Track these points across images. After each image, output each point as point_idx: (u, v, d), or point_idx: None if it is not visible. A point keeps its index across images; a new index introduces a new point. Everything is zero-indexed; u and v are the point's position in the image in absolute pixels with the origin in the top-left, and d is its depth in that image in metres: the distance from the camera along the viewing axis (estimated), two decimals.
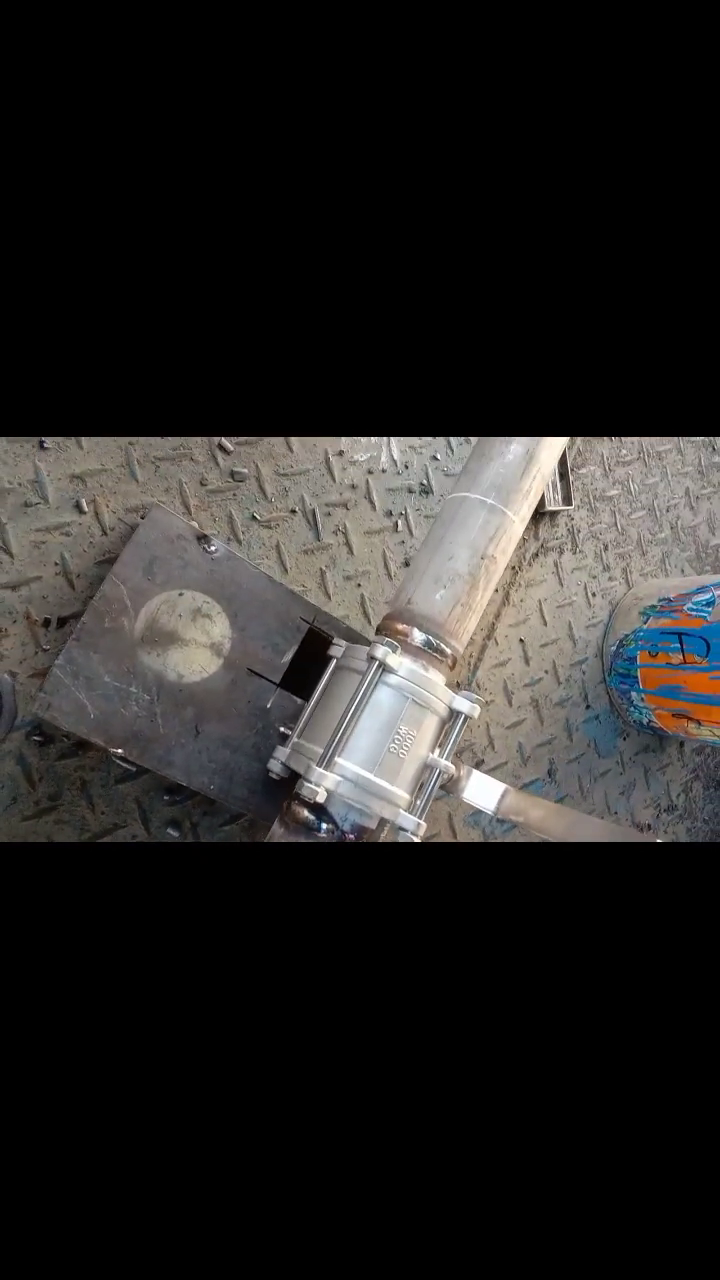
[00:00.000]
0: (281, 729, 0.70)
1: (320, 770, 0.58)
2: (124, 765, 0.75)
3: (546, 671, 1.08)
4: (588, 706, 1.12)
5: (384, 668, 0.61)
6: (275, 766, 0.68)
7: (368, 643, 0.68)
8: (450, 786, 0.69)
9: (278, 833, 0.63)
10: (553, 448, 0.70)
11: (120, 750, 0.63)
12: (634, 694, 1.09)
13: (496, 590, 1.01)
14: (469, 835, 1.01)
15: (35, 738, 0.70)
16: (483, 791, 0.69)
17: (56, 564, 0.70)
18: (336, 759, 0.60)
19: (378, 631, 0.67)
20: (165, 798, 0.77)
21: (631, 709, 1.12)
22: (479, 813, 1.02)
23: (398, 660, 0.62)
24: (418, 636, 0.64)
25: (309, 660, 0.72)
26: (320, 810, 0.61)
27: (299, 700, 0.71)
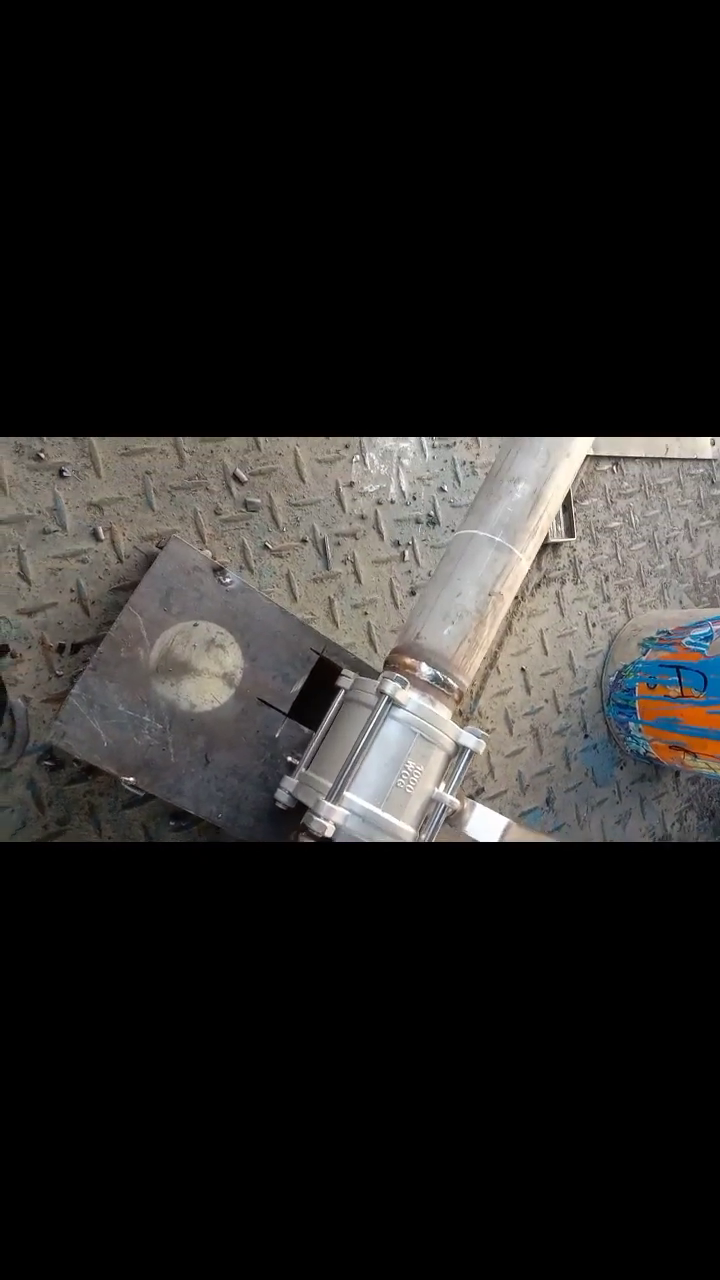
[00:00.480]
0: (289, 758, 0.71)
1: (329, 804, 0.59)
2: (131, 791, 0.76)
3: (547, 700, 1.09)
4: (586, 736, 1.14)
5: (393, 703, 0.62)
6: (283, 797, 0.69)
7: (376, 675, 0.69)
8: (454, 820, 0.70)
9: None
10: (560, 487, 0.72)
11: (132, 779, 0.64)
12: (632, 724, 1.11)
13: None
14: None
15: (46, 762, 0.70)
16: (485, 825, 0.70)
17: (72, 591, 0.71)
18: (345, 793, 0.61)
19: (386, 665, 0.68)
20: (171, 824, 0.77)
21: (629, 739, 1.13)
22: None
23: (406, 695, 0.63)
24: (425, 671, 0.65)
25: (315, 687, 0.73)
26: (328, 843, 0.62)
27: (306, 730, 0.72)
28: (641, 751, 1.13)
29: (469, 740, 0.66)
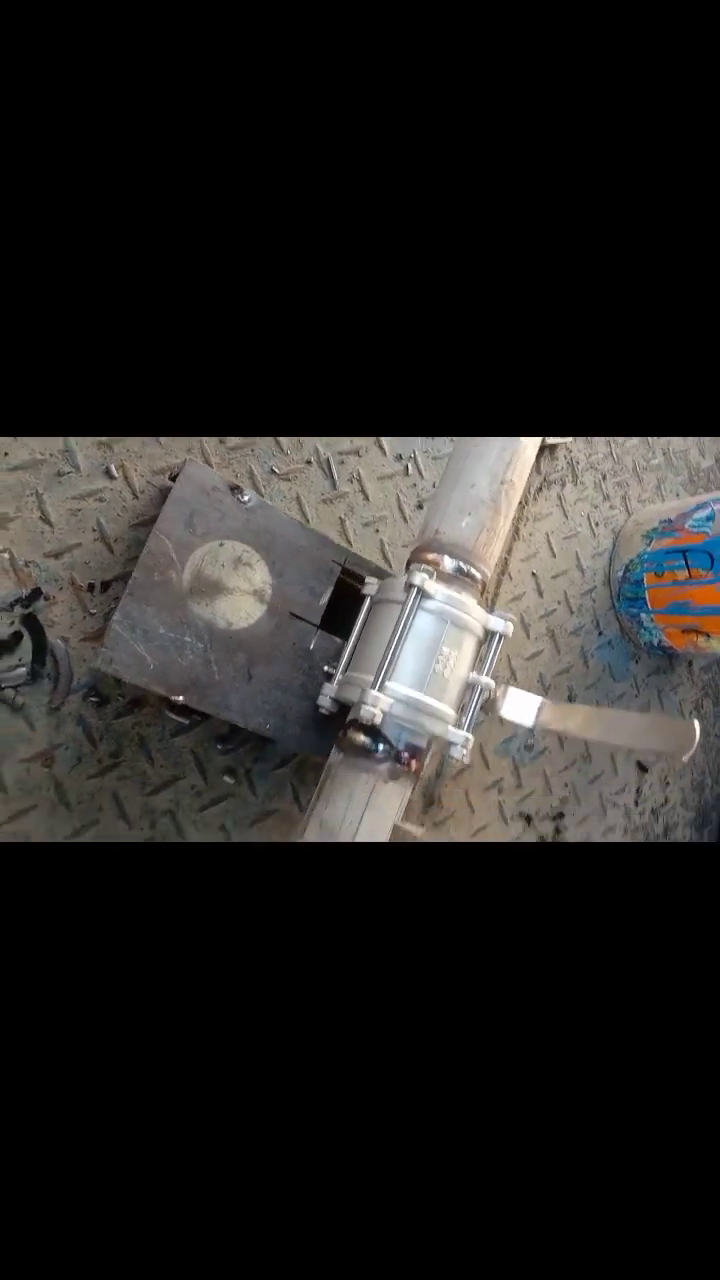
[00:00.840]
0: (325, 668, 0.74)
1: (374, 693, 0.62)
2: (177, 720, 0.78)
3: (559, 602, 1.12)
4: (600, 633, 1.17)
5: (422, 594, 0.65)
6: (325, 702, 0.72)
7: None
8: (489, 707, 0.73)
9: (336, 759, 0.67)
10: None
11: (181, 698, 0.66)
12: (643, 616, 1.13)
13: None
14: (499, 765, 1.06)
15: (92, 699, 0.73)
16: (520, 706, 0.73)
17: (94, 530, 0.72)
18: (387, 683, 0.63)
19: (408, 565, 0.70)
20: (219, 747, 0.80)
21: (642, 631, 1.16)
22: (507, 742, 1.07)
23: (434, 586, 0.65)
24: (449, 563, 0.67)
25: (340, 600, 0.75)
26: (375, 733, 0.65)
27: (338, 640, 0.75)
28: (655, 643, 1.16)
29: (497, 624, 0.69)
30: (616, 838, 1.23)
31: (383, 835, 0.63)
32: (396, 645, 0.64)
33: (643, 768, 1.25)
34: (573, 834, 1.15)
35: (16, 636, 0.69)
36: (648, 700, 1.25)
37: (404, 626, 0.64)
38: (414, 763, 0.66)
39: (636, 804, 1.25)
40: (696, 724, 0.56)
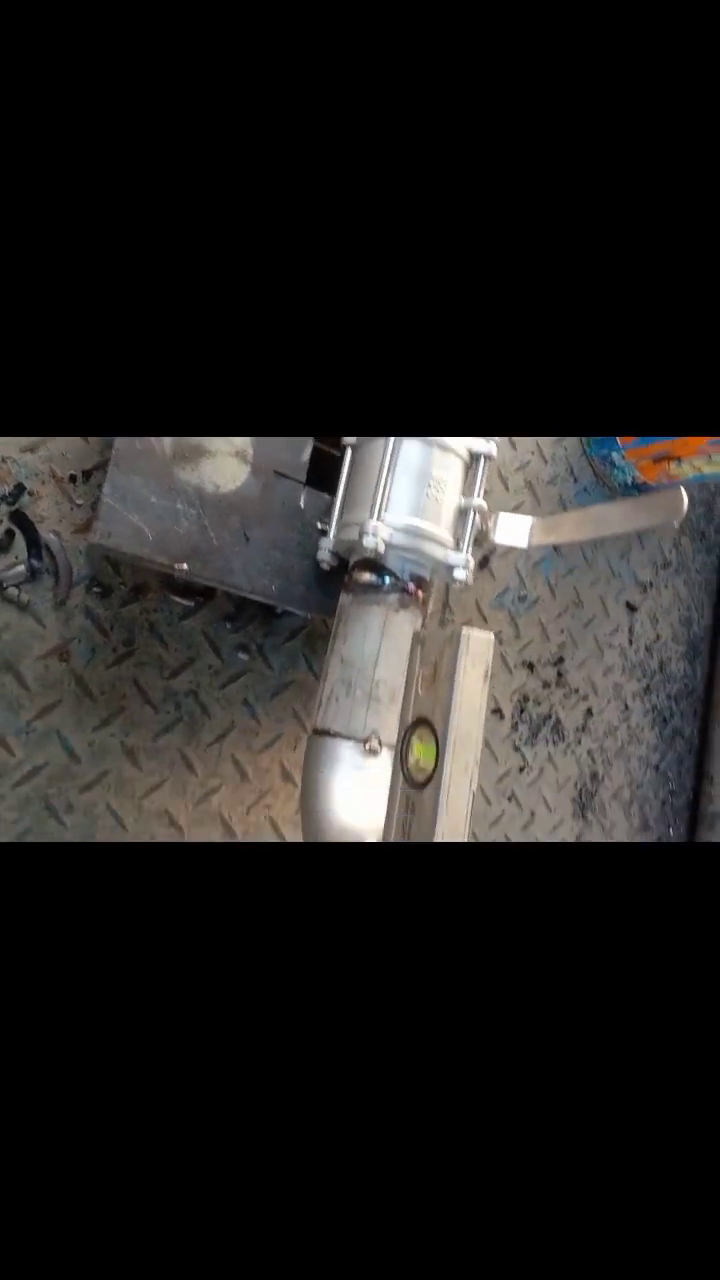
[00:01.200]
0: (319, 525, 0.75)
1: (374, 523, 0.63)
2: (182, 603, 0.79)
3: (532, 453, 1.13)
4: (575, 480, 1.18)
5: None
6: (324, 555, 0.73)
7: None
8: (482, 539, 0.75)
9: (345, 600, 0.69)
10: None
11: (185, 565, 0.67)
12: (614, 455, 1.15)
13: None
14: (496, 618, 1.09)
15: (95, 590, 0.73)
16: (512, 529, 0.75)
17: None
18: (384, 514, 0.65)
19: None
20: (227, 625, 0.82)
21: (615, 471, 1.18)
22: (501, 595, 1.10)
23: None
24: None
25: (321, 461, 0.75)
26: (379, 568, 0.67)
27: (326, 497, 0.75)
28: (629, 481, 1.18)
29: (481, 446, 0.70)
30: (616, 678, 1.28)
31: (400, 660, 0.65)
32: (387, 475, 0.65)
33: (631, 606, 1.29)
34: (574, 677, 1.20)
35: (9, 535, 0.69)
36: (629, 543, 1.28)
37: (391, 456, 0.65)
38: (420, 593, 0.68)
39: (630, 643, 1.30)
40: (683, 489, 0.58)
